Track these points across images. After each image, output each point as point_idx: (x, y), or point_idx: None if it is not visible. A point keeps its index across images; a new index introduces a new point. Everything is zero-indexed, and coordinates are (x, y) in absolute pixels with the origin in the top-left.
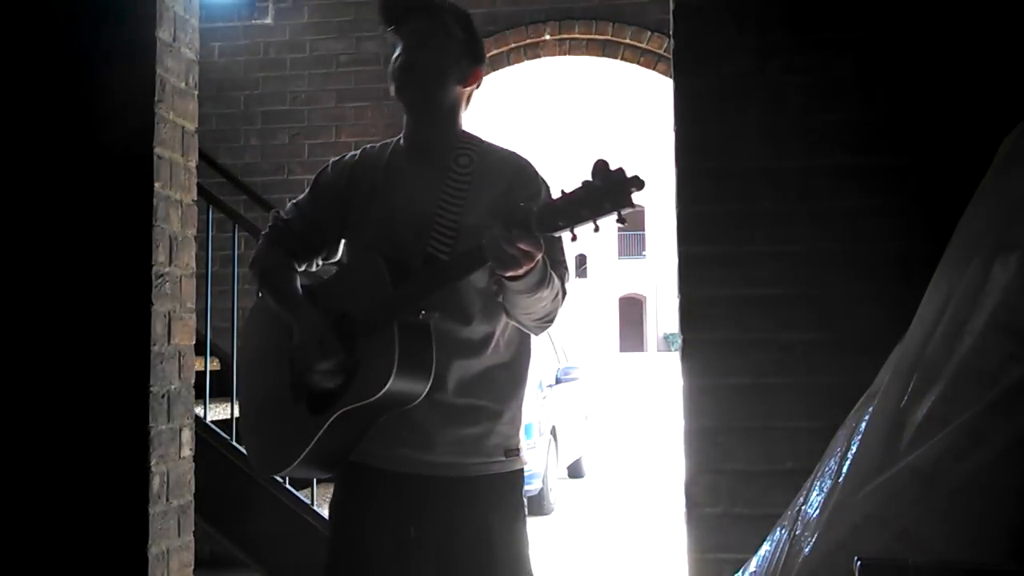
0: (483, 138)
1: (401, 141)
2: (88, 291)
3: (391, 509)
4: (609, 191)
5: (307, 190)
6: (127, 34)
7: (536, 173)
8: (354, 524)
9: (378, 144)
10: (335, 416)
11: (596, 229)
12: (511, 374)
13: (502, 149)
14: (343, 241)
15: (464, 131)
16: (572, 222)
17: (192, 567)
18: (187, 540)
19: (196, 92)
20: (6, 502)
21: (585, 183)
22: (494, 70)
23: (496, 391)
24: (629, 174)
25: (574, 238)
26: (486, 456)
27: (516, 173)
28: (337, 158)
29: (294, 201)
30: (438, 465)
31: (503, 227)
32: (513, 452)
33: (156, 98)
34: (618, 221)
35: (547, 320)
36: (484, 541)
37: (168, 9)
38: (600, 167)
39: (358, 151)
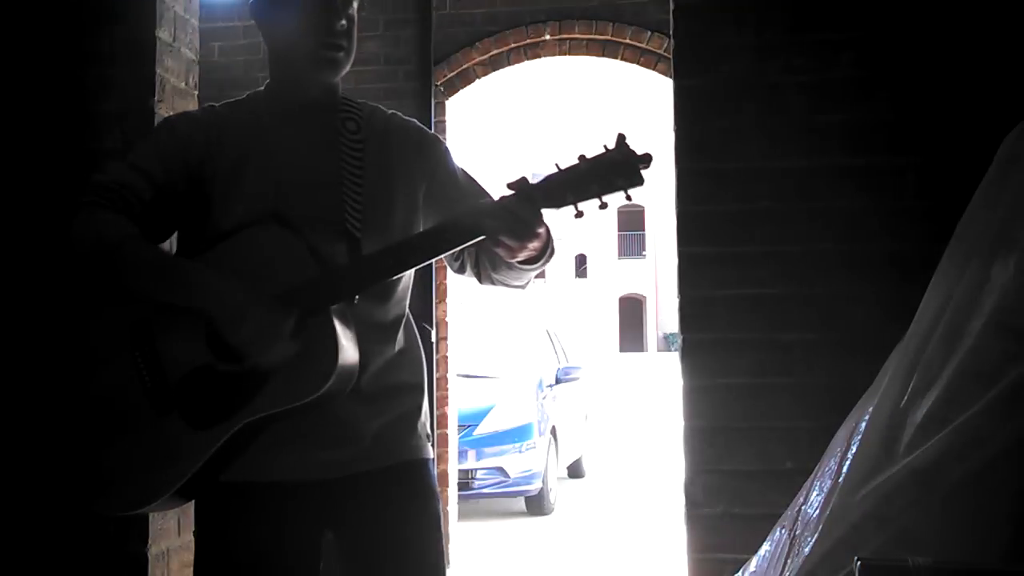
0: (356, 97)
1: (266, 97)
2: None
3: (302, 519)
4: (623, 166)
5: (142, 148)
6: (127, 34)
7: (428, 130)
8: (250, 546)
9: (223, 103)
10: (240, 427)
11: (603, 206)
12: (416, 356)
13: (382, 108)
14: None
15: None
16: (581, 196)
17: (192, 567)
18: (187, 540)
19: (196, 92)
20: (6, 501)
21: (594, 158)
22: (494, 70)
23: (412, 366)
24: (640, 150)
25: (579, 214)
26: (411, 440)
27: (415, 135)
28: (174, 116)
29: (129, 163)
30: (362, 459)
31: (517, 199)
32: (427, 438)
33: (156, 98)
34: (627, 198)
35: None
36: (407, 531)
37: (168, 9)
38: (620, 140)
39: (204, 110)
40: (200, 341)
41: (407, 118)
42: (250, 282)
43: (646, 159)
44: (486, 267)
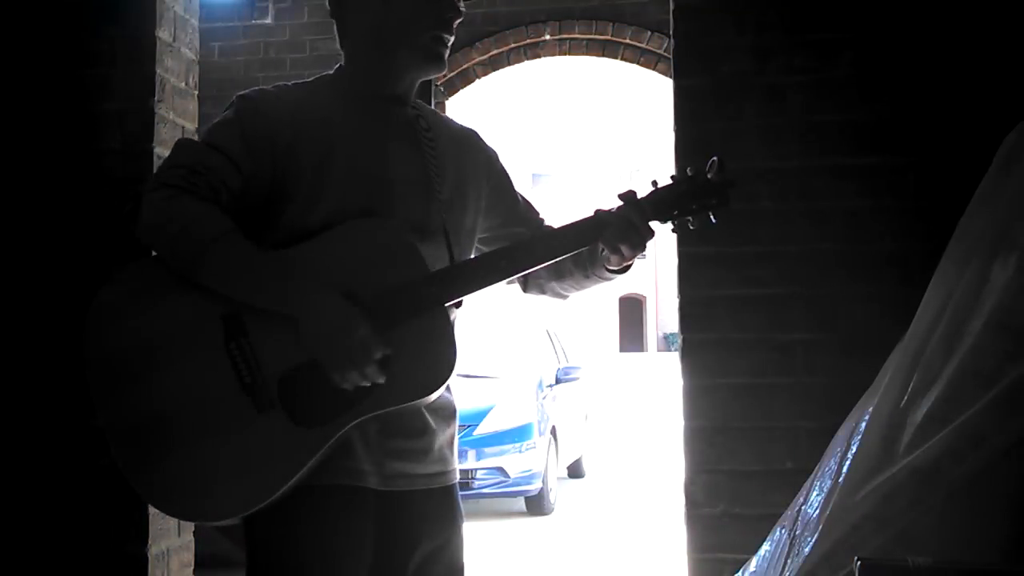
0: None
1: (341, 84)
2: (88, 292)
3: (362, 528)
4: (717, 187)
5: (224, 130)
6: (127, 34)
7: (483, 140)
8: (318, 550)
9: (295, 83)
10: (353, 423)
11: (693, 224)
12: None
13: (440, 113)
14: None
15: None
16: (683, 213)
17: (192, 567)
18: (187, 540)
19: (196, 92)
20: (8, 502)
21: (692, 177)
22: (494, 70)
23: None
24: (728, 175)
25: (676, 230)
26: (454, 462)
27: (477, 140)
28: (256, 95)
29: (209, 143)
30: (423, 477)
31: (635, 210)
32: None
33: (156, 98)
34: (712, 219)
35: None
36: (448, 556)
37: (168, 9)
38: (718, 163)
39: (281, 89)
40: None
41: (455, 121)
42: (352, 285)
43: (733, 183)
44: (540, 277)
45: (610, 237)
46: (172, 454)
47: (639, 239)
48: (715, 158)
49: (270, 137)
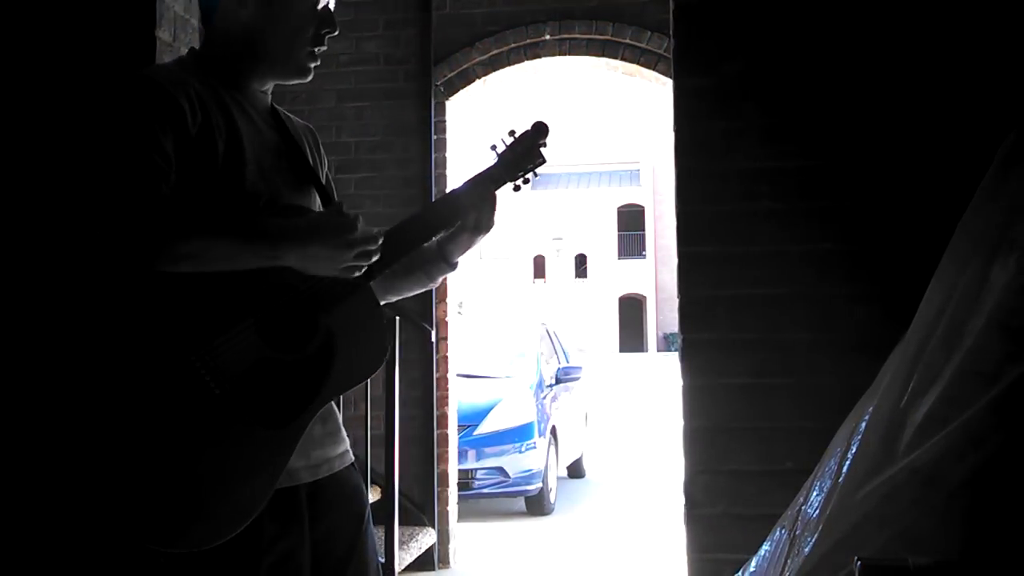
0: None
1: (208, 74)
2: (87, 293)
3: (300, 530)
4: (538, 139)
5: (138, 128)
6: (127, 34)
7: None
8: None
9: (176, 66)
10: (318, 412)
11: (526, 181)
12: None
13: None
14: None
15: None
16: (532, 167)
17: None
18: None
19: None
20: (11, 502)
21: (519, 138)
22: (494, 70)
23: None
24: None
25: (520, 185)
26: (346, 440)
27: (310, 129)
28: (164, 78)
29: (145, 143)
30: (344, 455)
31: (492, 176)
32: None
33: None
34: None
35: None
36: (362, 541)
37: (168, 9)
38: (537, 124)
39: (165, 71)
40: (250, 333)
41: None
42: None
43: (545, 143)
44: (396, 274)
45: (467, 205)
46: (157, 484)
47: (492, 210)
48: (538, 122)
49: (183, 122)
